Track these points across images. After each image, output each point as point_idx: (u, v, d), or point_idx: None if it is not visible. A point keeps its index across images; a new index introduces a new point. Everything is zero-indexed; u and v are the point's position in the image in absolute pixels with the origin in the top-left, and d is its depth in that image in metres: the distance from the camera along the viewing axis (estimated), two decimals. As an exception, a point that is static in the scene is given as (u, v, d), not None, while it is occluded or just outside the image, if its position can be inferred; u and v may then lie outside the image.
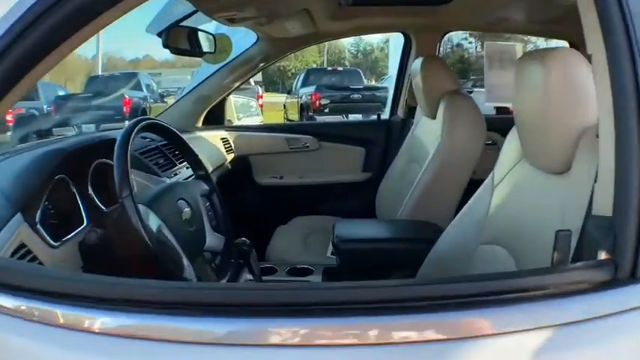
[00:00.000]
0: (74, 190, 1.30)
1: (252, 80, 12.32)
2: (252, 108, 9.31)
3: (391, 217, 2.35)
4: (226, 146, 2.77)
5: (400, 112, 3.06)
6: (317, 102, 11.76)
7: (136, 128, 1.29)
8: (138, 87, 11.80)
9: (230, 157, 2.77)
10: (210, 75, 2.72)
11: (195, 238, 1.38)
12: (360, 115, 11.50)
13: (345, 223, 1.96)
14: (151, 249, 1.13)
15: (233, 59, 2.70)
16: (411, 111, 2.90)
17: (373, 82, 17.83)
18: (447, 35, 2.94)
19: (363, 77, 15.05)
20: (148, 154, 1.80)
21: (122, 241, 1.20)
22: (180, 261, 1.23)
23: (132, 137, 1.25)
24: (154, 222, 1.22)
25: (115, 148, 1.22)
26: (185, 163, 1.87)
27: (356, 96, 11.98)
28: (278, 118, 13.47)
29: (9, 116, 8.73)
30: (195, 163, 1.53)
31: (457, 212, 2.01)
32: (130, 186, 1.17)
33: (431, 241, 1.65)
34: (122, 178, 1.17)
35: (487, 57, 2.71)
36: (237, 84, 2.80)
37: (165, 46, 2.02)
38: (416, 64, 2.26)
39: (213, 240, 1.46)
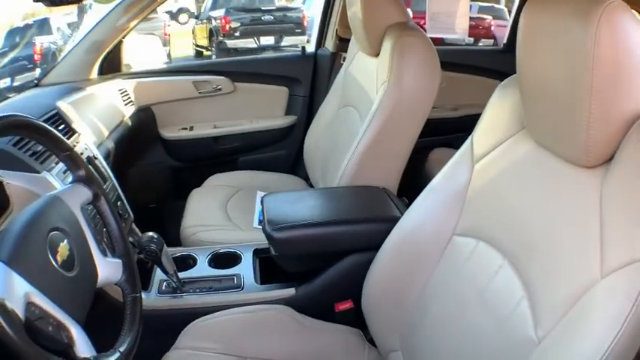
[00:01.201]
0: None
1: (159, 9, 11.40)
2: (154, 43, 8.59)
3: (326, 171, 1.99)
4: (125, 98, 2.28)
5: (329, 44, 2.64)
6: (227, 26, 11.05)
7: None
8: (48, 31, 11.06)
9: (130, 110, 2.29)
10: (103, 17, 2.20)
11: (81, 283, 0.95)
12: (273, 38, 11.03)
13: (276, 200, 1.57)
14: (19, 345, 0.73)
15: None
16: (342, 43, 2.49)
17: (284, 3, 17.09)
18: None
19: (275, -3, 14.31)
20: (22, 143, 1.33)
21: None
22: (66, 336, 0.83)
23: None
24: (19, 291, 0.79)
25: None
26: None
27: (267, 17, 11.38)
28: (187, 46, 12.65)
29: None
30: (72, 160, 1.07)
31: (406, 172, 1.73)
32: None
33: (390, 220, 1.33)
34: None
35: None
36: (134, 23, 2.28)
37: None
38: (353, -12, 1.83)
39: (106, 270, 1.03)
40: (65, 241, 0.93)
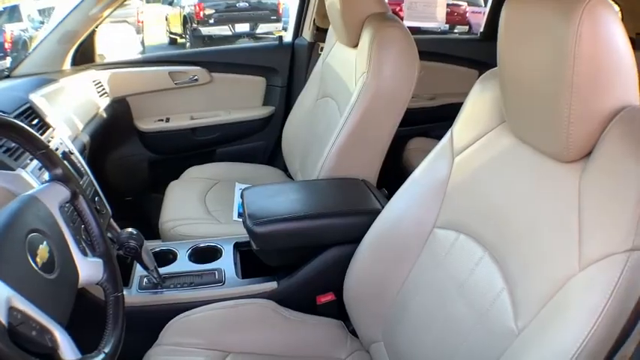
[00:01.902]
0: None
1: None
2: (127, 32, 8.43)
3: (304, 163, 1.99)
4: (99, 90, 2.24)
5: (307, 33, 2.62)
6: (201, 12, 10.92)
7: None
8: (19, 18, 10.85)
9: (105, 102, 2.24)
10: (76, 6, 2.13)
11: (62, 285, 0.94)
12: (248, 25, 10.94)
13: (256, 194, 1.56)
14: (3, 351, 0.71)
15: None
16: (320, 33, 2.48)
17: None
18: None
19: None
20: None
21: None
22: (50, 339, 0.81)
23: None
24: (1, 297, 0.76)
25: None
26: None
27: (242, 4, 11.29)
28: (161, 33, 12.48)
29: None
30: (48, 158, 1.04)
31: (384, 162, 1.74)
32: None
33: (371, 213, 1.34)
34: None
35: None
36: (108, 12, 2.22)
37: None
38: (330, -22, 1.81)
39: (87, 271, 1.01)
40: (45, 242, 0.91)
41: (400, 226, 1.22)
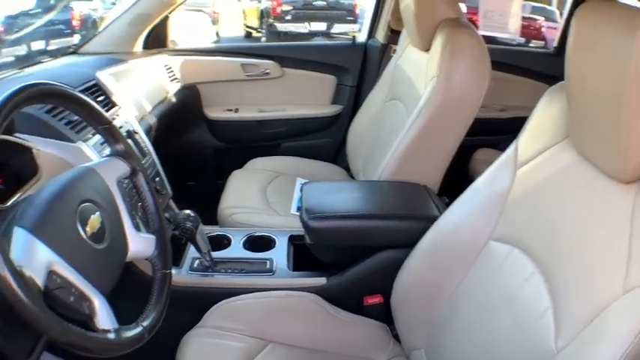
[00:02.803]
0: None
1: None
2: (203, 21, 8.43)
3: (367, 164, 1.98)
4: (170, 75, 2.30)
5: (380, 35, 2.60)
6: (278, 8, 11.03)
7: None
8: None
9: (175, 87, 2.30)
10: None
11: (110, 256, 0.96)
12: (325, 24, 10.97)
13: (314, 190, 1.56)
14: (34, 312, 0.72)
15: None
16: (393, 35, 2.46)
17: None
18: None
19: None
20: (56, 111, 1.32)
21: None
22: (87, 307, 0.83)
23: None
24: (40, 260, 0.78)
25: None
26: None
27: (319, 3, 11.31)
28: (237, 25, 12.71)
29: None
30: (110, 134, 1.07)
31: (448, 171, 1.71)
32: None
33: (428, 219, 1.32)
34: None
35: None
36: None
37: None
38: (408, -19, 1.80)
39: (138, 245, 1.03)
40: (97, 213, 0.93)
41: (456, 235, 1.20)
